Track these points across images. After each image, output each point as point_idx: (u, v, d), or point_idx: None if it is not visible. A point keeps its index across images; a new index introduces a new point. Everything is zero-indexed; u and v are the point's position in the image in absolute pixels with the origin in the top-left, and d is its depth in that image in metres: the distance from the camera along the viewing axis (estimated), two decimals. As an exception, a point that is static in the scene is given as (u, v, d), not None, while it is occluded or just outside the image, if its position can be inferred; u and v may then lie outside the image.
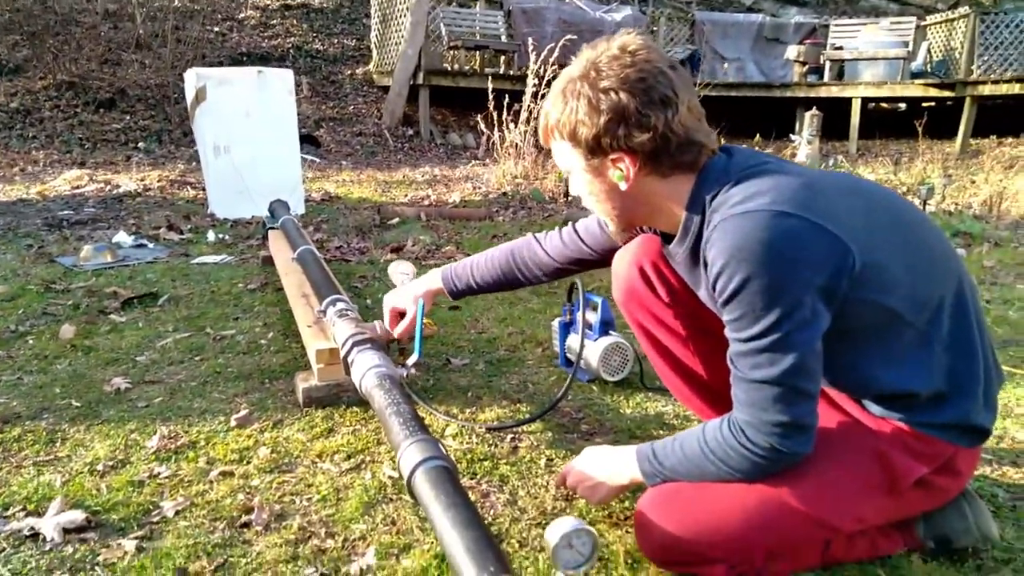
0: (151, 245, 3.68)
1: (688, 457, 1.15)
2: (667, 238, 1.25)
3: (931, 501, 1.21)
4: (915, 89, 9.65)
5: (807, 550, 1.18)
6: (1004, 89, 8.76)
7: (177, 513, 1.40)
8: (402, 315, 1.71)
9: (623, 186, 1.14)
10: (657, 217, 1.21)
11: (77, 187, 5.41)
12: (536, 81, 5.42)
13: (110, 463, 1.58)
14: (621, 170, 1.13)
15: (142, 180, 5.63)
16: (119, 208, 4.74)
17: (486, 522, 1.38)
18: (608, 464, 1.28)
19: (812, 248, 1.00)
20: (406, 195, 5.55)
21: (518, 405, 1.91)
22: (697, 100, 1.13)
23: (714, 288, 1.06)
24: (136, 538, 1.32)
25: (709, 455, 1.12)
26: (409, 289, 1.71)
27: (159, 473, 1.54)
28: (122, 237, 3.74)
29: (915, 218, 1.16)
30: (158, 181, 5.62)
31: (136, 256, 3.41)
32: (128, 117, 8.07)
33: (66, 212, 4.54)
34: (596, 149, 1.12)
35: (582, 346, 1.85)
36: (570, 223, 1.55)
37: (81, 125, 7.70)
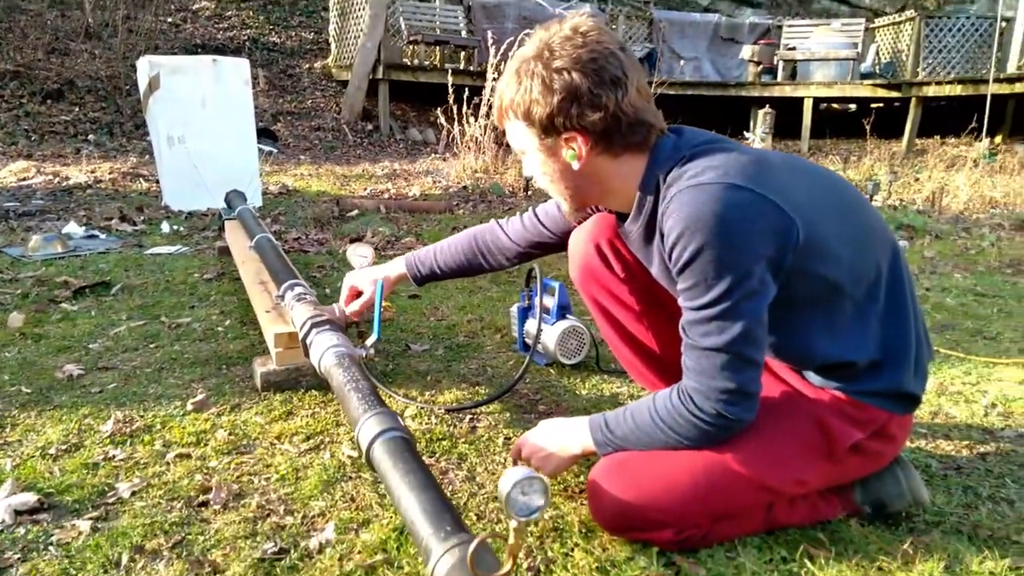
0: (103, 236, 3.61)
1: (639, 426, 1.19)
2: (620, 217, 1.30)
3: (867, 466, 1.27)
4: (864, 90, 9.95)
5: (751, 513, 1.23)
6: (947, 90, 9.08)
7: (133, 494, 1.39)
8: (359, 295, 1.73)
9: (576, 165, 1.18)
10: (609, 196, 1.25)
11: (24, 179, 5.25)
12: (496, 76, 5.46)
13: (63, 447, 1.56)
14: (574, 149, 1.16)
15: (92, 172, 5.49)
16: (68, 200, 4.62)
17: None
18: (561, 435, 1.31)
19: (762, 220, 1.05)
20: (365, 189, 5.53)
21: (477, 388, 1.94)
22: (646, 82, 1.18)
23: (670, 257, 1.11)
24: (91, 519, 1.31)
25: (659, 423, 1.16)
26: (370, 271, 1.73)
27: (114, 456, 1.53)
28: (72, 228, 3.66)
29: (853, 197, 1.23)
30: (109, 173, 5.50)
31: (87, 247, 3.34)
32: (77, 109, 7.84)
33: (12, 204, 4.41)
34: (549, 128, 1.15)
35: (539, 330, 1.89)
36: (531, 208, 1.59)
37: (27, 116, 7.47)
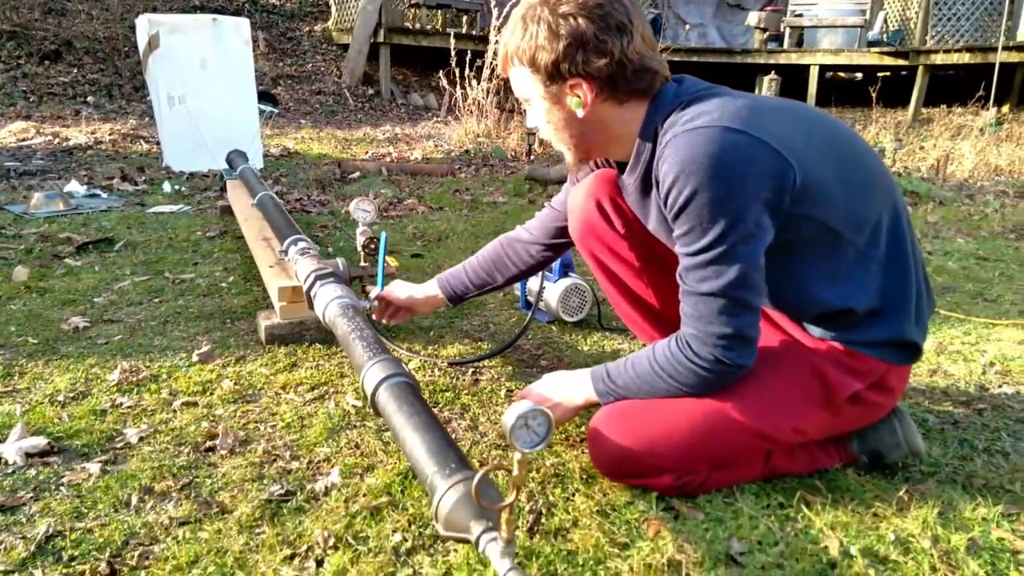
0: (105, 195, 3.60)
1: (639, 375, 1.21)
2: (621, 168, 1.30)
3: (865, 417, 1.28)
4: (871, 57, 9.83)
5: (750, 461, 1.25)
6: (955, 58, 8.97)
7: (141, 439, 1.41)
8: (389, 304, 1.76)
9: (580, 113, 1.18)
10: (613, 145, 1.25)
11: (23, 139, 5.22)
12: (498, 40, 5.39)
13: (71, 394, 1.58)
14: (579, 96, 1.16)
15: (92, 134, 5.46)
16: (69, 160, 4.60)
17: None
18: (564, 386, 1.33)
19: (756, 162, 1.05)
20: (367, 152, 5.50)
21: (479, 343, 1.96)
22: (650, 29, 1.17)
23: (666, 203, 1.11)
24: (100, 462, 1.33)
25: (659, 371, 1.18)
26: (404, 287, 1.75)
27: (121, 403, 1.55)
28: (74, 187, 3.65)
29: (854, 143, 1.22)
30: (110, 135, 5.46)
31: (89, 205, 3.34)
32: (75, 70, 7.76)
33: (12, 163, 4.40)
34: (555, 75, 1.15)
35: (542, 287, 1.90)
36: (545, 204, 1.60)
37: (25, 77, 7.40)
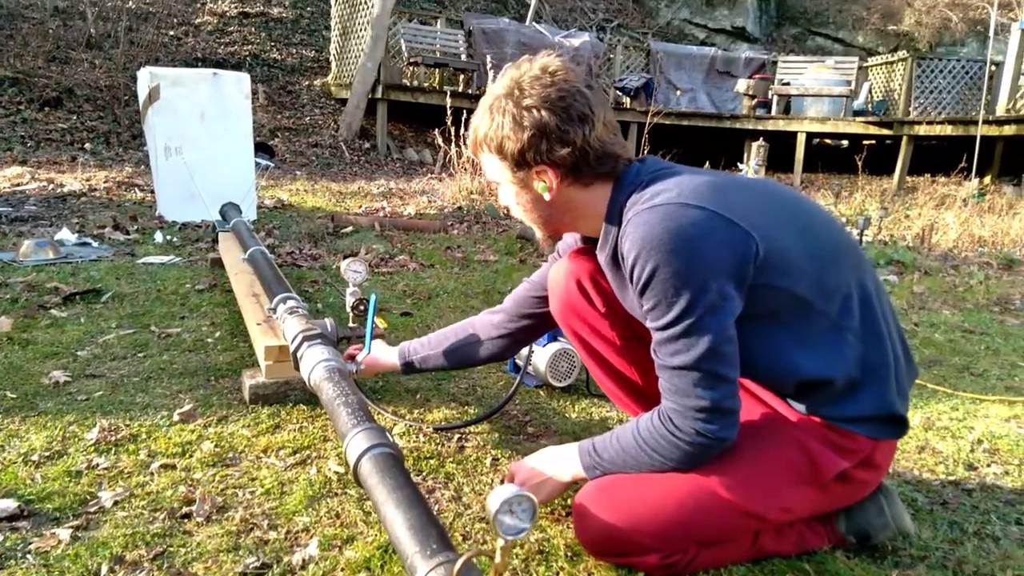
0: (95, 244, 3.59)
1: (624, 449, 1.20)
2: (594, 243, 1.34)
3: (852, 494, 1.27)
4: (856, 126, 10.09)
5: (738, 540, 1.23)
6: (937, 130, 9.23)
7: (116, 503, 1.38)
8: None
9: (547, 196, 1.23)
10: (580, 224, 1.30)
11: (17, 184, 5.23)
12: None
13: (46, 454, 1.54)
14: (545, 181, 1.22)
15: (87, 180, 5.48)
16: (62, 207, 4.61)
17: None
18: (552, 462, 1.32)
19: (714, 235, 1.08)
20: (360, 206, 5.53)
21: (466, 407, 1.94)
22: (612, 115, 1.23)
23: (631, 280, 1.14)
24: (71, 527, 1.29)
25: (643, 445, 1.17)
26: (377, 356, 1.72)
27: (97, 464, 1.51)
28: (65, 235, 3.64)
29: (818, 214, 1.25)
30: (104, 182, 5.49)
31: (79, 254, 3.33)
32: (75, 117, 7.84)
33: (5, 208, 4.39)
34: (521, 162, 1.21)
35: (530, 351, 1.89)
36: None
37: (24, 123, 7.46)
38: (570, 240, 1.49)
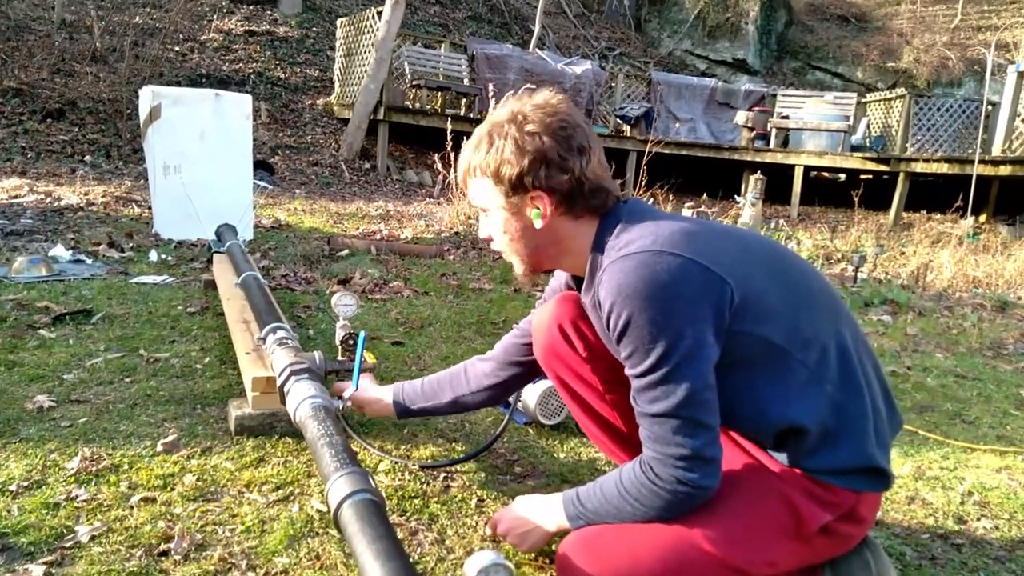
0: (89, 261, 3.58)
1: (607, 499, 1.19)
2: (576, 282, 1.35)
3: (837, 548, 1.26)
4: (854, 161, 10.16)
5: (722, 598, 1.21)
6: (934, 168, 9.30)
7: (92, 538, 1.36)
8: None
9: (539, 224, 1.24)
10: (564, 258, 1.30)
11: (15, 196, 5.23)
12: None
13: (25, 484, 1.52)
14: (539, 208, 1.23)
15: (86, 195, 5.48)
16: (59, 221, 4.60)
17: (411, 560, 1.38)
18: (537, 511, 1.31)
19: (689, 281, 1.09)
20: (358, 228, 5.54)
21: (454, 444, 1.92)
22: (603, 155, 1.26)
23: (609, 328, 1.14)
24: (45, 563, 1.27)
25: (625, 495, 1.16)
26: (366, 388, 1.71)
27: (77, 496, 1.49)
28: (59, 251, 3.63)
29: (796, 263, 1.25)
30: (102, 197, 5.49)
31: (72, 271, 3.32)
32: (76, 129, 7.87)
33: (1, 222, 4.39)
34: (518, 187, 1.21)
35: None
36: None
37: (25, 134, 7.48)
38: (556, 284, 1.49)
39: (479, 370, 1.60)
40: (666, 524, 1.16)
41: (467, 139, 1.38)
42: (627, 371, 1.15)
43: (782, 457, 1.20)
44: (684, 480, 1.11)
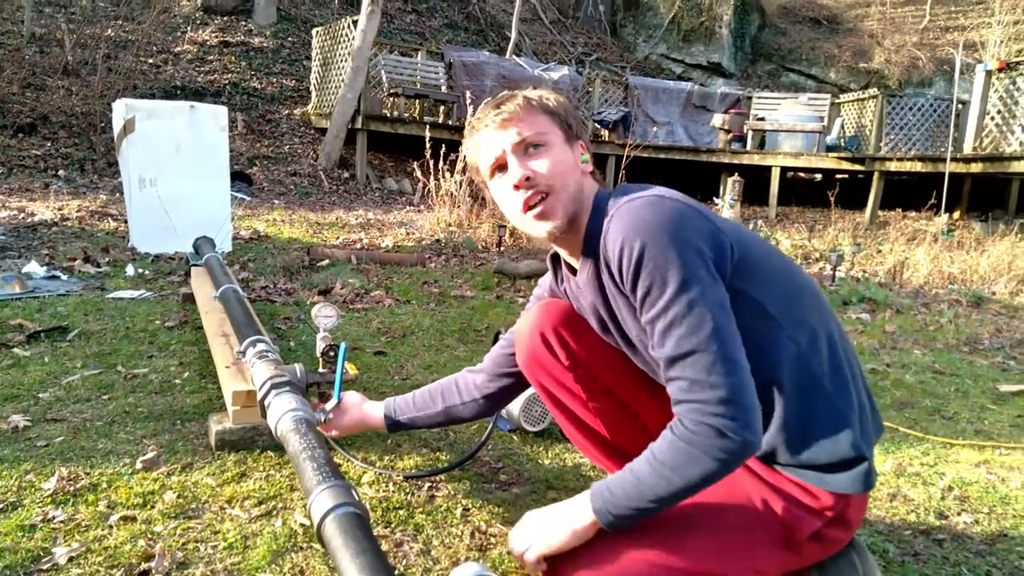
0: (64, 277, 3.53)
1: (639, 478, 1.09)
2: (572, 269, 1.34)
3: (825, 551, 1.26)
4: (829, 161, 10.28)
5: (708, 601, 1.21)
6: (908, 166, 9.43)
7: (71, 560, 1.33)
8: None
9: (587, 168, 1.28)
10: (580, 218, 1.24)
11: (-13, 213, 5.15)
12: (473, 133, 5.53)
13: (0, 506, 1.49)
14: (585, 154, 1.29)
15: (60, 209, 5.40)
16: (32, 237, 4.53)
17: (397, 572, 1.37)
18: (561, 510, 1.17)
19: (695, 221, 1.11)
20: (338, 237, 5.51)
21: (438, 454, 1.91)
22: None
23: (620, 274, 1.12)
24: (22, 587, 1.25)
25: (658, 466, 1.07)
26: (353, 404, 1.68)
27: (54, 517, 1.46)
28: (33, 267, 3.57)
29: (783, 255, 1.28)
30: (77, 211, 5.41)
31: (47, 288, 3.27)
32: (49, 144, 7.77)
33: (-27, 238, 4.32)
34: (569, 131, 1.27)
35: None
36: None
37: (-3, 149, 7.37)
38: (540, 292, 1.49)
39: (470, 382, 1.58)
40: (654, 539, 1.12)
41: (446, 146, 1.39)
42: (645, 316, 1.10)
43: (767, 448, 1.19)
44: (724, 430, 1.02)
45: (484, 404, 1.57)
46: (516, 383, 1.54)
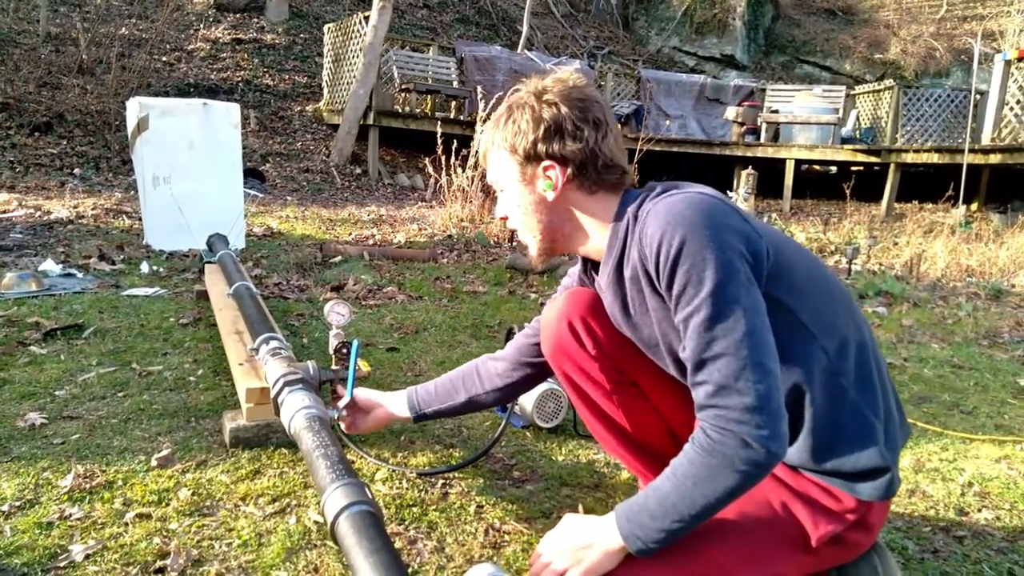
0: (80, 275, 3.56)
1: (662, 496, 1.06)
2: (590, 267, 1.33)
3: (845, 555, 1.24)
4: (844, 154, 10.19)
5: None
6: (924, 158, 9.32)
7: (87, 557, 1.34)
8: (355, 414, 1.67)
9: (550, 196, 1.22)
10: (579, 237, 1.27)
11: (4, 211, 5.20)
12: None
13: (17, 504, 1.50)
14: (551, 179, 1.21)
15: (76, 207, 5.45)
16: (48, 235, 4.57)
17: (411, 569, 1.36)
18: (591, 527, 1.14)
19: (733, 218, 1.09)
20: (351, 233, 5.52)
21: (451, 450, 1.91)
22: (620, 134, 1.26)
23: (657, 269, 1.09)
24: (40, 584, 1.25)
25: (680, 481, 1.04)
26: (374, 397, 1.67)
27: (70, 515, 1.47)
28: (49, 265, 3.60)
29: (809, 252, 1.25)
30: (92, 209, 5.46)
31: (63, 286, 3.29)
32: (65, 142, 7.83)
33: (-10, 237, 4.36)
34: (532, 156, 1.21)
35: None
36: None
37: (13, 148, 7.44)
38: (569, 282, 1.47)
39: (491, 370, 1.57)
40: (673, 550, 1.07)
41: (458, 142, 1.37)
42: (679, 317, 1.07)
43: (792, 457, 1.18)
44: (748, 439, 0.98)
45: (506, 392, 1.57)
46: (538, 373, 1.53)
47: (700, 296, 1.04)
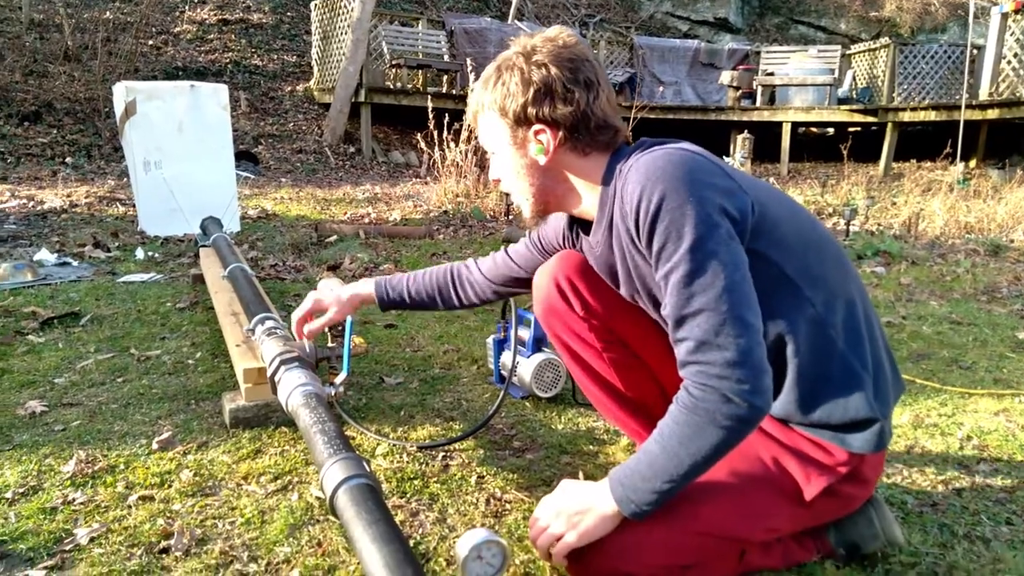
0: (75, 263, 3.55)
1: (650, 459, 1.07)
2: (584, 228, 1.31)
3: (841, 509, 1.25)
4: (841, 115, 10.10)
5: (723, 561, 1.21)
6: (922, 116, 9.25)
7: (92, 540, 1.35)
8: (321, 313, 1.65)
9: (542, 160, 1.21)
10: (572, 198, 1.26)
11: (-3, 203, 5.17)
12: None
13: (20, 490, 1.51)
14: (542, 143, 1.19)
15: (68, 196, 5.42)
16: (42, 225, 4.55)
17: (413, 540, 1.38)
18: (586, 491, 1.15)
19: (715, 174, 1.08)
20: (346, 213, 5.50)
21: (451, 423, 1.91)
22: (614, 95, 1.22)
23: (636, 226, 1.09)
24: (46, 568, 1.26)
25: (665, 441, 1.05)
26: (337, 290, 1.64)
27: (74, 499, 1.48)
28: (44, 255, 3.59)
29: (802, 208, 1.24)
30: (86, 197, 5.43)
31: (59, 274, 3.28)
32: (55, 131, 7.77)
33: (-16, 229, 4.34)
34: (522, 119, 1.19)
35: (515, 363, 1.87)
36: (503, 248, 1.58)
37: (3, 139, 7.38)
38: (549, 231, 1.45)
39: (467, 287, 1.59)
40: (667, 510, 1.08)
41: (450, 116, 1.35)
42: (659, 273, 1.07)
43: (780, 409, 1.18)
44: (730, 394, 0.99)
45: (479, 304, 1.62)
46: (523, 280, 1.54)
47: (679, 252, 1.03)
